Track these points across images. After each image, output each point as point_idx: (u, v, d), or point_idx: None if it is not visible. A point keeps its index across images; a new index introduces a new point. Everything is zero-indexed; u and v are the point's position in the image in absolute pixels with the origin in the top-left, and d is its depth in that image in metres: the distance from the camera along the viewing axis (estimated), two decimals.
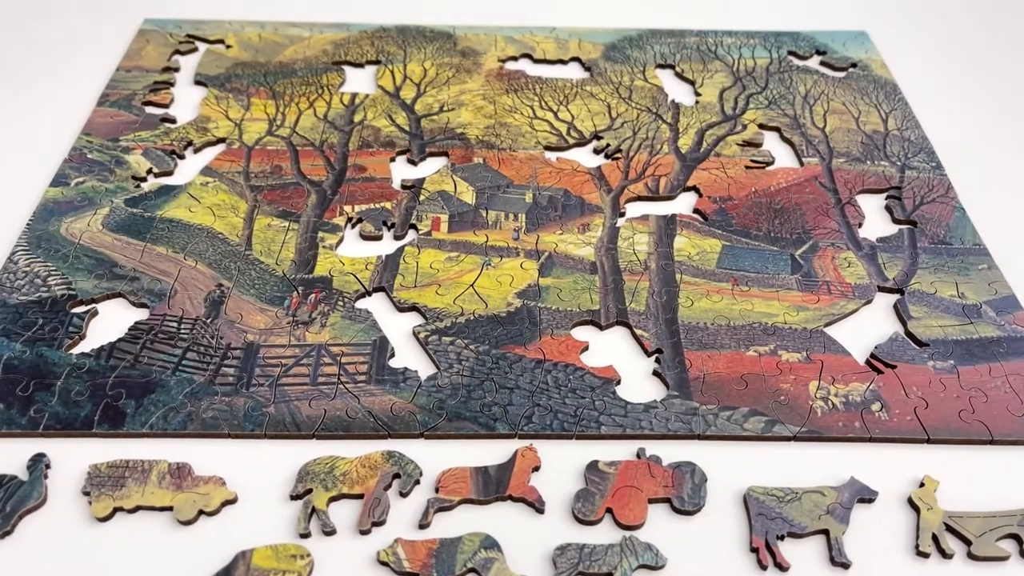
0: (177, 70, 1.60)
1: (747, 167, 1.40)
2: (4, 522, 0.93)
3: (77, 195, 1.33)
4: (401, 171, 1.40)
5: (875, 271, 1.22)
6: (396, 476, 0.98)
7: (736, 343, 1.12)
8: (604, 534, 0.94)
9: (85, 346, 1.11)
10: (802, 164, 1.41)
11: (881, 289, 1.20)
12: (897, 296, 1.19)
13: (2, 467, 0.98)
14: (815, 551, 0.92)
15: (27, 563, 0.90)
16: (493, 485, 0.97)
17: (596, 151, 1.43)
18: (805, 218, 1.31)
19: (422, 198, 1.34)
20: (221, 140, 1.44)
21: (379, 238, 1.28)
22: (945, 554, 0.91)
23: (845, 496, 0.96)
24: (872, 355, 1.10)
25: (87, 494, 0.95)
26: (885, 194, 1.35)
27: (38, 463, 0.98)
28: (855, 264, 1.23)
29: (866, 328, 1.15)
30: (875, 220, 1.31)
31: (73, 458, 0.99)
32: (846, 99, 1.55)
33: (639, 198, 1.34)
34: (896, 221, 1.31)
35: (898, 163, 1.41)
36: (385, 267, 1.23)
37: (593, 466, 0.99)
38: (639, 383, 1.08)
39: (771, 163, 1.41)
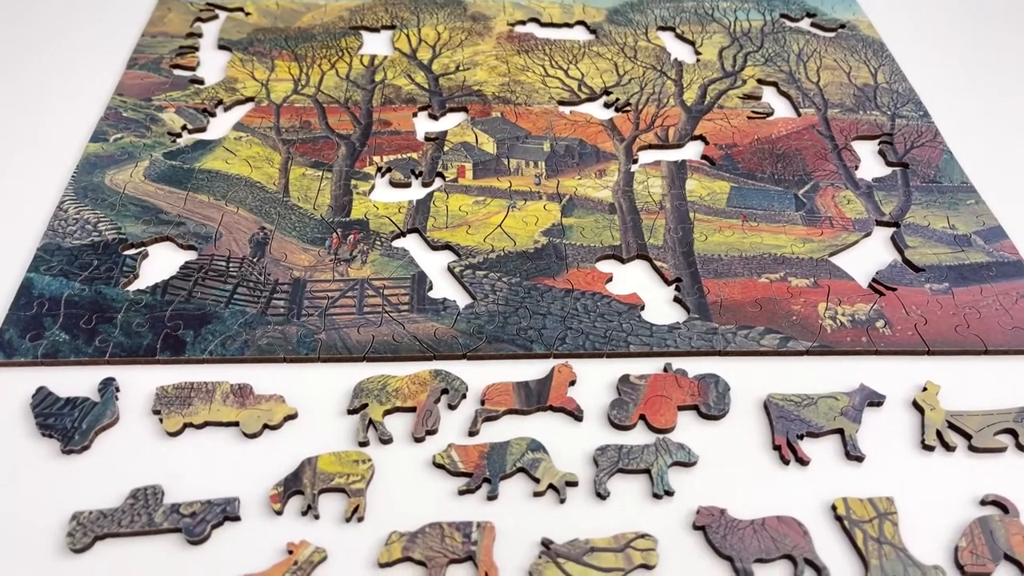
0: (200, 36, 1.67)
1: (749, 118, 1.49)
2: (82, 438, 0.99)
3: (117, 150, 1.39)
4: (424, 125, 1.47)
5: (872, 207, 1.31)
6: (444, 391, 1.06)
7: (749, 271, 1.21)
8: (638, 437, 1.02)
9: (140, 284, 1.18)
10: (799, 114, 1.50)
11: (879, 223, 1.29)
12: (894, 229, 1.28)
13: (75, 390, 1.04)
14: (831, 448, 1.02)
15: (105, 474, 0.97)
16: (534, 397, 1.05)
17: (607, 105, 1.51)
18: (805, 162, 1.40)
19: (446, 148, 1.42)
20: (250, 99, 1.50)
21: (408, 185, 1.36)
22: (948, 447, 1.01)
23: (856, 400, 1.05)
24: (874, 280, 1.20)
25: (157, 412, 1.02)
26: (878, 140, 1.45)
27: (108, 386, 1.04)
28: (854, 201, 1.32)
29: (867, 257, 1.25)
30: (870, 163, 1.41)
31: (139, 382, 1.06)
32: (837, 56, 1.64)
33: (650, 146, 1.43)
34: (889, 164, 1.40)
35: (888, 112, 1.50)
36: (417, 210, 1.30)
37: (625, 379, 1.07)
38: (661, 308, 1.17)
39: (771, 114, 1.50)
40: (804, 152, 1.42)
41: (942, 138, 1.45)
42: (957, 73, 1.63)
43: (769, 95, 1.55)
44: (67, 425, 1.00)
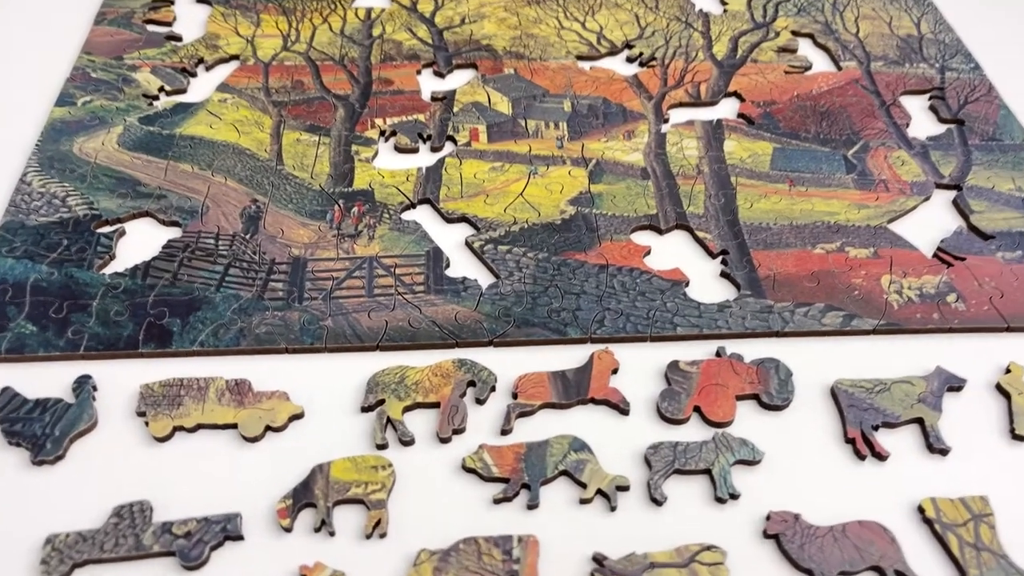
0: None
1: (786, 72, 1.36)
2: (55, 446, 0.86)
3: (86, 114, 1.23)
4: (429, 83, 1.33)
5: (930, 169, 1.19)
6: (470, 384, 0.93)
7: (801, 241, 1.09)
8: (693, 432, 0.90)
9: (117, 266, 1.04)
10: (840, 68, 1.37)
11: (938, 186, 1.17)
12: (955, 192, 1.16)
13: (45, 391, 0.91)
14: (911, 440, 0.90)
15: (83, 489, 0.84)
16: (573, 388, 0.92)
17: (630, 59, 1.38)
18: (852, 120, 1.27)
19: (456, 109, 1.27)
20: (234, 57, 1.35)
21: (415, 150, 1.22)
22: None
23: (934, 385, 0.93)
24: (939, 249, 1.08)
25: (142, 414, 0.89)
26: (928, 95, 1.32)
27: (84, 385, 0.91)
28: (909, 162, 1.20)
29: (928, 223, 1.13)
30: (921, 120, 1.28)
31: (120, 379, 0.93)
32: (875, 5, 1.51)
33: (681, 104, 1.29)
34: (942, 121, 1.28)
35: (936, 65, 1.38)
36: (427, 179, 1.16)
37: (674, 366, 0.95)
38: (708, 284, 1.05)
39: (809, 68, 1.37)
40: (849, 109, 1.29)
41: (996, 92, 1.32)
42: (1003, 21, 1.50)
43: (805, 48, 1.42)
44: (37, 431, 0.87)
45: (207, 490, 0.84)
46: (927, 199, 1.15)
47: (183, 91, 1.29)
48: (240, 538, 0.81)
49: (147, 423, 0.88)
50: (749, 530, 0.83)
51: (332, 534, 0.81)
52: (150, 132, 1.21)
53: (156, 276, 1.02)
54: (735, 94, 1.31)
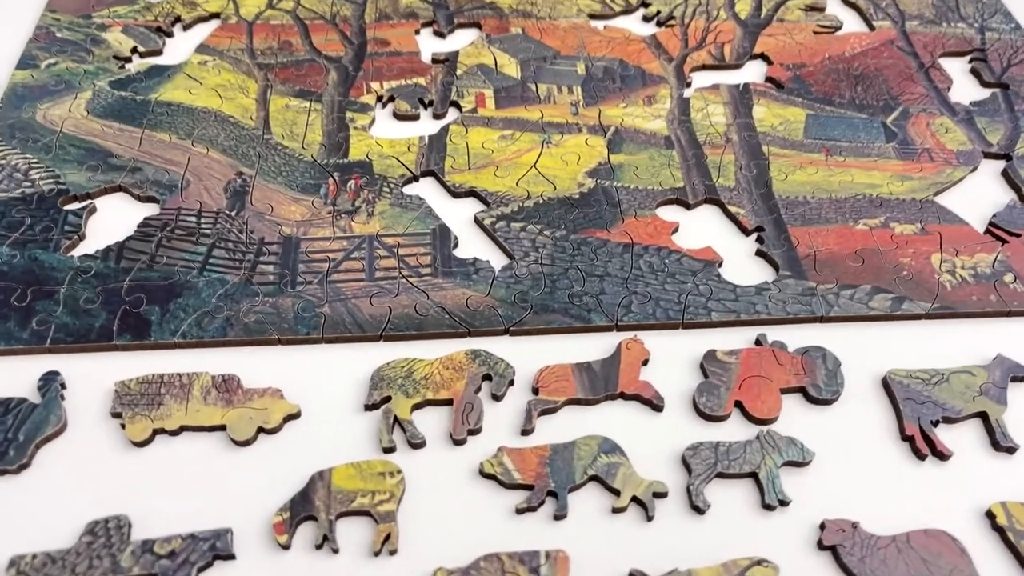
0: None
1: (815, 32, 1.26)
2: (18, 453, 0.76)
3: (51, 78, 1.12)
4: (430, 44, 1.22)
5: (976, 136, 1.10)
6: (486, 378, 0.83)
7: (842, 217, 0.99)
8: (734, 430, 0.81)
9: (87, 247, 0.93)
10: (872, 28, 1.27)
11: (986, 155, 1.08)
12: (1005, 161, 1.07)
13: (7, 389, 0.81)
14: (974, 436, 0.82)
15: (51, 502, 0.74)
16: (600, 382, 0.83)
17: (646, 18, 1.27)
18: (889, 84, 1.17)
19: (459, 72, 1.17)
20: (214, 15, 1.23)
21: (416, 117, 1.11)
22: None
23: (996, 375, 0.85)
24: (991, 223, 0.99)
25: (118, 416, 0.79)
26: (968, 57, 1.23)
27: (51, 383, 0.81)
28: (953, 130, 1.11)
29: (978, 196, 1.03)
30: (963, 84, 1.19)
31: (92, 376, 0.83)
32: None
33: (704, 67, 1.19)
34: (985, 84, 1.18)
35: (975, 24, 1.28)
36: (431, 149, 1.06)
37: (711, 356, 0.86)
38: (743, 264, 0.95)
39: (839, 27, 1.27)
40: (885, 72, 1.19)
41: None
42: None
43: (834, 6, 1.32)
44: None
45: (192, 502, 0.74)
46: (974, 169, 1.06)
47: (158, 53, 1.18)
48: (231, 557, 0.71)
49: (123, 425, 0.78)
50: (802, 541, 0.74)
51: (335, 551, 0.72)
52: (122, 98, 1.10)
53: (131, 259, 0.91)
54: (762, 56, 1.21)
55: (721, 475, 0.77)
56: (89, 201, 0.97)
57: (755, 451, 0.78)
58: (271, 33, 1.21)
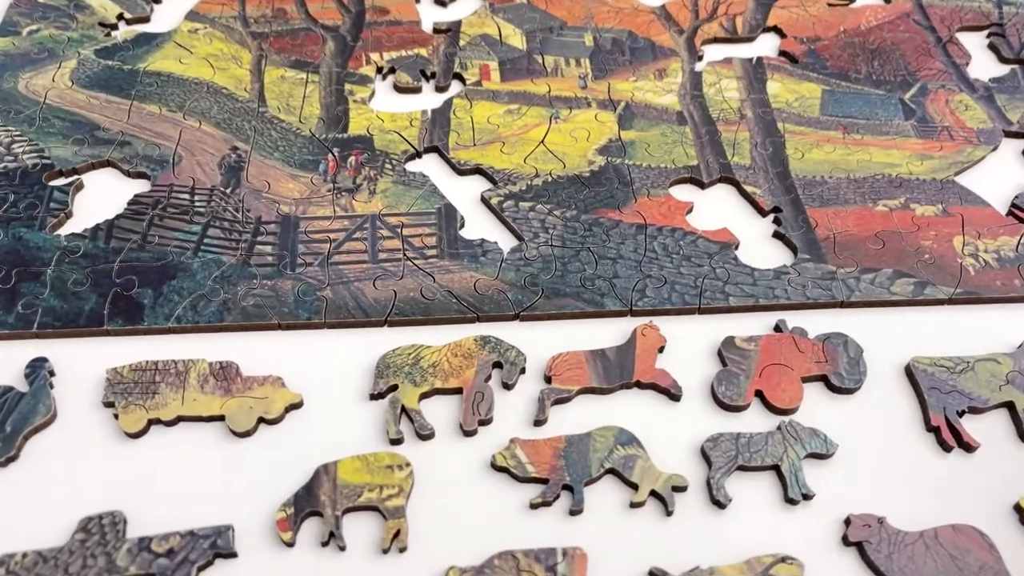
0: None
1: (830, 4, 1.21)
2: (6, 445, 0.72)
3: (32, 46, 1.06)
4: (430, 13, 1.17)
5: (996, 114, 1.07)
6: (496, 365, 0.80)
7: (861, 197, 0.96)
8: (753, 420, 0.78)
9: (74, 226, 0.89)
10: (888, 1, 1.23)
11: (1007, 134, 1.05)
12: None
13: None
14: (1000, 426, 0.79)
15: (42, 497, 0.71)
16: (616, 371, 0.80)
17: None
18: (906, 58, 1.14)
19: (462, 43, 1.12)
20: None
21: (418, 90, 1.06)
22: None
23: (1023, 363, 0.82)
24: (1014, 205, 0.96)
25: (110, 405, 0.75)
26: (986, 31, 1.19)
27: (38, 370, 0.77)
28: (972, 107, 1.07)
29: (999, 176, 1.00)
30: (981, 59, 1.15)
31: (82, 362, 0.79)
32: None
33: (716, 40, 1.15)
34: (1004, 60, 1.15)
35: None
36: (434, 123, 1.01)
37: (730, 343, 0.82)
38: (760, 246, 0.92)
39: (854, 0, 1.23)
40: (902, 47, 1.15)
41: None
42: None
43: None
44: None
45: (191, 497, 0.71)
46: (995, 148, 1.03)
47: (146, 19, 1.12)
48: (233, 555, 0.68)
49: (116, 416, 0.74)
50: (827, 536, 0.71)
51: (342, 548, 0.69)
52: (109, 67, 1.04)
53: (122, 238, 0.87)
54: (775, 29, 1.17)
55: (742, 468, 0.75)
56: (76, 177, 0.93)
57: (777, 443, 0.76)
58: (264, 0, 1.16)
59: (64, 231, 0.88)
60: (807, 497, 0.73)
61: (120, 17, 1.12)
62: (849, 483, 0.75)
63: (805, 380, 0.81)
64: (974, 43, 1.18)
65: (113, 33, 1.10)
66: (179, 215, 0.89)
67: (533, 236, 0.90)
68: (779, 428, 0.77)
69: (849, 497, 0.74)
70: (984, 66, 1.15)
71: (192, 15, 1.13)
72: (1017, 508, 0.73)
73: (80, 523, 0.68)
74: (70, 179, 0.92)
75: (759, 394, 0.80)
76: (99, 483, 0.71)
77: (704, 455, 0.75)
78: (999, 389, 0.80)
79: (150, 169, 0.93)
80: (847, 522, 0.72)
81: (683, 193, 0.97)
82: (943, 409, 0.79)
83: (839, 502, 0.73)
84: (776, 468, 0.75)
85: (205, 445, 0.74)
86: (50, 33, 1.08)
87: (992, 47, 1.17)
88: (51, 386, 0.76)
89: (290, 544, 0.69)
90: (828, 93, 1.09)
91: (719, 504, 0.73)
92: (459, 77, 1.08)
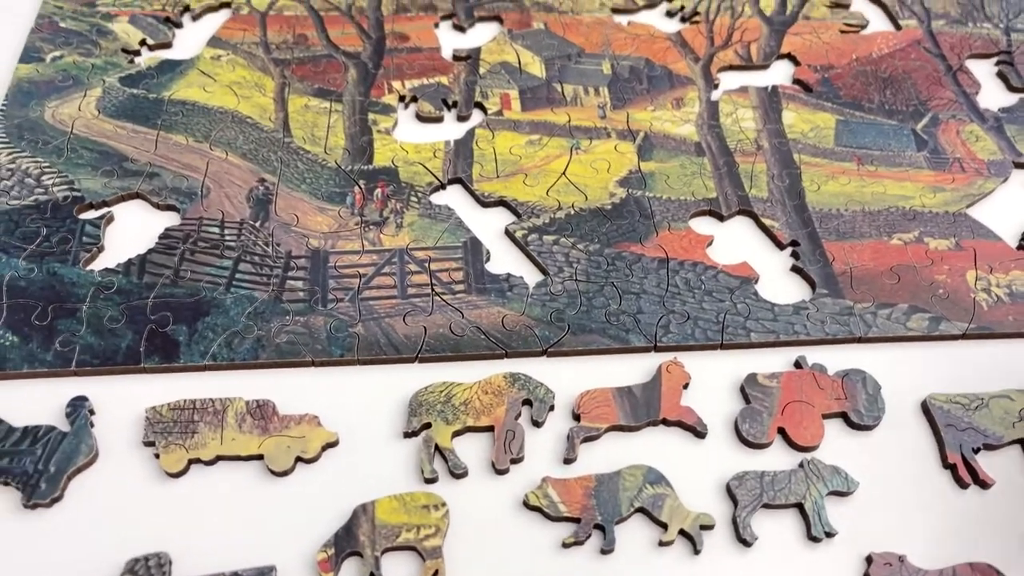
0: None
1: (841, 31, 1.23)
2: (51, 486, 0.74)
3: (57, 72, 1.07)
4: (450, 39, 1.18)
5: (1007, 145, 1.09)
6: (526, 403, 0.82)
7: (876, 231, 0.98)
8: (775, 458, 0.81)
9: (107, 260, 0.90)
10: (899, 27, 1.25)
11: (1016, 165, 1.07)
12: None
13: (33, 416, 0.78)
14: (1014, 463, 0.82)
15: (86, 537, 0.72)
16: (642, 408, 0.82)
17: (670, 14, 1.24)
18: (917, 87, 1.16)
19: (482, 71, 1.13)
20: (225, 4, 1.18)
21: (440, 119, 1.08)
22: None
23: None
24: None
25: (151, 444, 0.77)
26: (995, 59, 1.21)
27: (79, 409, 0.78)
28: (983, 138, 1.10)
29: (1009, 208, 1.03)
30: (990, 88, 1.17)
31: (120, 400, 0.80)
32: None
33: (731, 67, 1.17)
34: (1012, 89, 1.17)
35: (1001, 25, 1.26)
36: (457, 155, 1.03)
37: (752, 380, 0.85)
38: (778, 281, 0.94)
39: (865, 26, 1.25)
40: (914, 75, 1.17)
41: None
42: None
43: (859, 3, 1.29)
44: (29, 468, 0.74)
45: (232, 537, 0.73)
46: (1005, 180, 1.06)
47: (168, 45, 1.13)
48: None
49: (157, 455, 0.76)
50: (848, 573, 0.74)
51: None
52: (134, 95, 1.05)
53: (155, 273, 0.88)
54: (788, 56, 1.19)
55: (766, 505, 0.77)
56: (106, 209, 0.94)
57: (800, 481, 0.78)
58: (285, 25, 1.16)
59: (97, 265, 0.89)
60: (829, 535, 0.76)
61: (142, 43, 1.12)
62: (869, 520, 0.77)
63: (825, 417, 0.83)
64: (983, 71, 1.20)
65: (136, 60, 1.10)
66: (210, 249, 0.90)
67: (558, 270, 0.92)
68: (801, 466, 0.79)
69: (869, 534, 0.76)
70: (993, 95, 1.17)
71: (214, 41, 1.14)
72: None
73: (127, 564, 0.70)
74: (100, 212, 0.93)
75: (781, 431, 0.82)
76: (142, 523, 0.73)
77: (730, 493, 0.78)
78: (1013, 426, 0.83)
79: (179, 201, 0.95)
80: (868, 560, 0.74)
81: (703, 226, 0.99)
82: (959, 446, 0.81)
83: (860, 539, 0.76)
84: (799, 506, 0.77)
85: (244, 484, 0.76)
86: (74, 60, 1.08)
87: (1001, 75, 1.19)
88: (92, 425, 0.78)
89: None
90: (842, 123, 1.11)
91: (745, 542, 0.75)
92: (480, 106, 1.09)
